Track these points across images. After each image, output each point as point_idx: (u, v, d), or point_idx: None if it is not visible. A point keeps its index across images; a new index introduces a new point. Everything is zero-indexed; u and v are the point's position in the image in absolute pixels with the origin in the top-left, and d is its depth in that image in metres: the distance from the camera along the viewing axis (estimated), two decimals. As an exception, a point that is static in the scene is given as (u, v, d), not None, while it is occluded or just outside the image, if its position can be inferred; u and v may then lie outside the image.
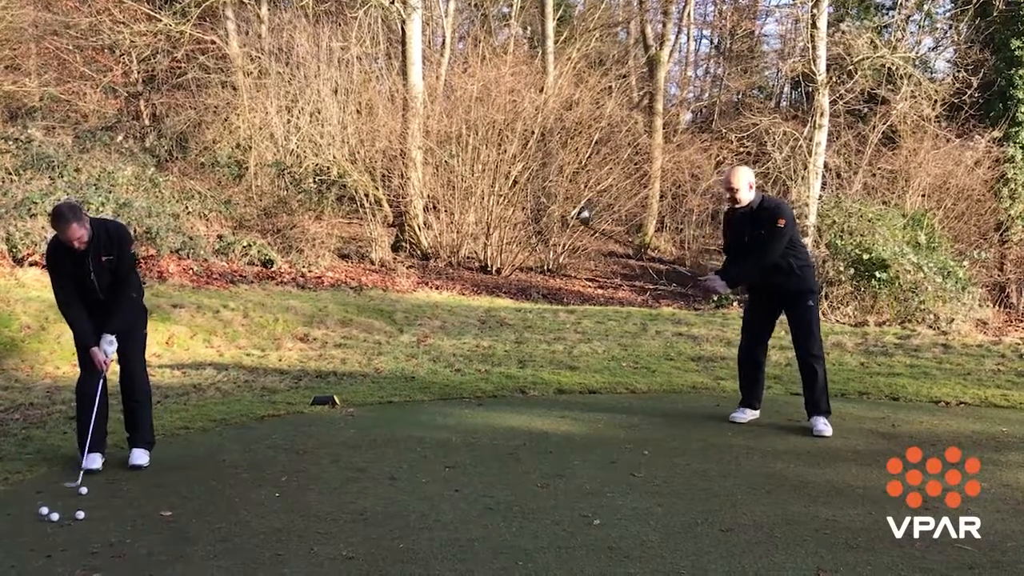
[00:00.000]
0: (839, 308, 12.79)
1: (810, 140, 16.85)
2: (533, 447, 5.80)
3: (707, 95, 32.05)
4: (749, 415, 6.50)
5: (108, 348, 5.25)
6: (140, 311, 5.55)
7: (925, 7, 20.69)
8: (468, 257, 17.29)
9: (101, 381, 5.27)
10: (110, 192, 12.77)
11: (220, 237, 13.87)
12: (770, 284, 6.21)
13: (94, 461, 5.22)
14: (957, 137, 18.08)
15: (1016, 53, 18.24)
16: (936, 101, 18.10)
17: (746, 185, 6.06)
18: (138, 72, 19.64)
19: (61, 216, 5.05)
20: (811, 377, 6.16)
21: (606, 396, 7.58)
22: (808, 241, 15.13)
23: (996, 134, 18.01)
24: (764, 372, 6.63)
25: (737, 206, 6.15)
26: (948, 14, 21.96)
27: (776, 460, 5.51)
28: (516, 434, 6.14)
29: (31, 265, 10.87)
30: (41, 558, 3.94)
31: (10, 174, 12.96)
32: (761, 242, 6.04)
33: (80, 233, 5.06)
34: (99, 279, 5.24)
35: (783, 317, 6.41)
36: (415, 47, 17.90)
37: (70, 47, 19.24)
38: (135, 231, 12.45)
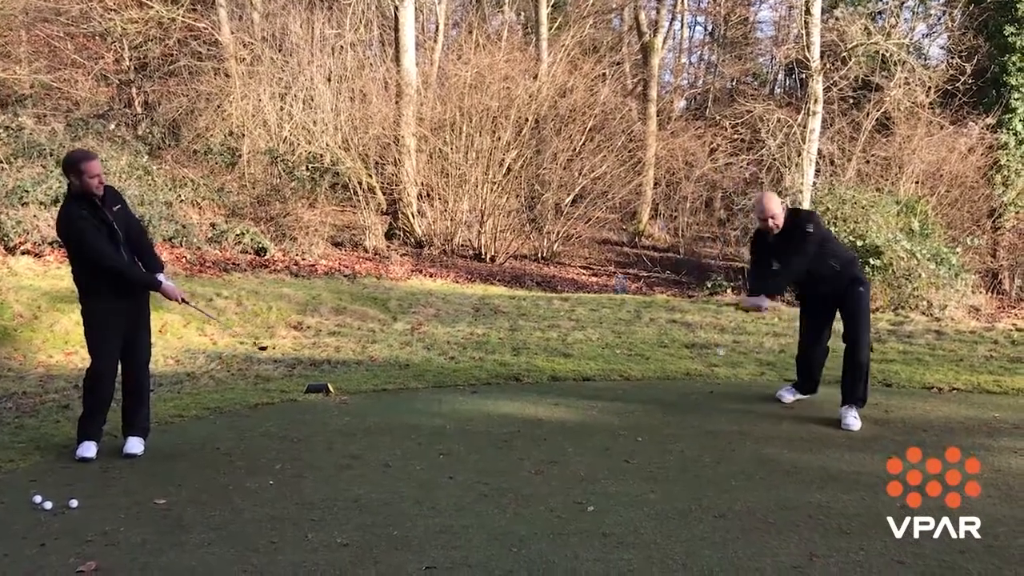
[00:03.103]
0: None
1: (804, 127, 16.84)
2: (527, 434, 5.81)
3: (701, 82, 31.99)
4: (793, 397, 6.68)
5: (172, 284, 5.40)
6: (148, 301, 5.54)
7: (919, -7, 20.70)
8: (462, 245, 17.27)
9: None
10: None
11: (213, 225, 13.82)
12: (822, 293, 6.30)
13: (89, 449, 5.22)
14: (951, 124, 18.06)
15: (1010, 39, 18.21)
16: (930, 88, 18.08)
17: (781, 209, 6.09)
18: (130, 59, 19.52)
19: (84, 153, 5.15)
20: (862, 365, 6.21)
21: (600, 383, 7.59)
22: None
23: (989, 121, 17.99)
24: (821, 367, 6.69)
25: (774, 230, 6.11)
26: (942, 0, 21.93)
27: (769, 446, 5.53)
28: (510, 421, 6.15)
29: (23, 254, 10.83)
30: (35, 546, 3.94)
31: (1, 162, 12.90)
32: (795, 255, 6.05)
33: (101, 169, 5.13)
34: (120, 228, 5.20)
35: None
36: (408, 33, 17.83)
37: (61, 34, 19.11)
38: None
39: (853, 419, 6.10)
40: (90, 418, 5.29)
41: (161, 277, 5.37)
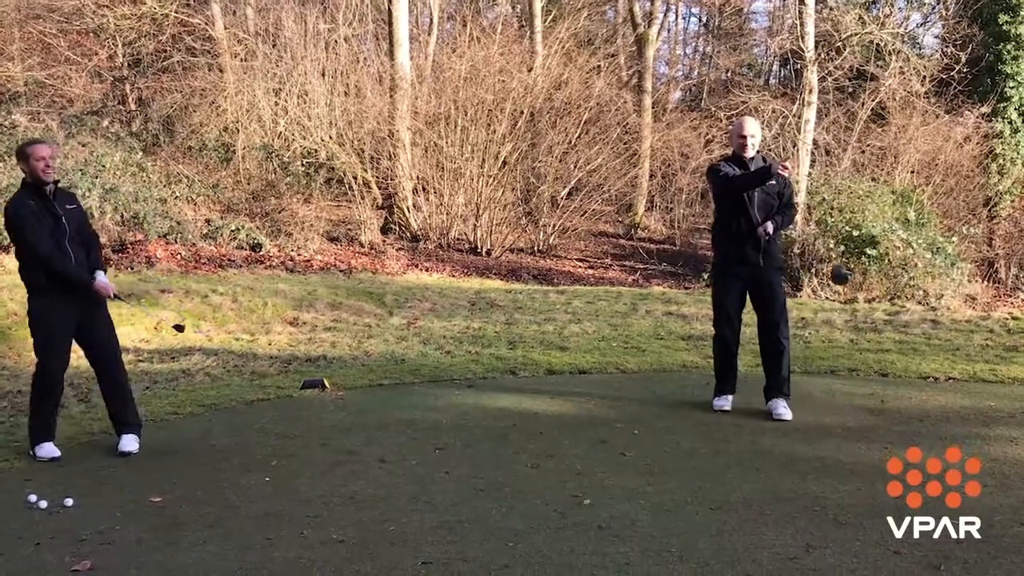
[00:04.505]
0: (829, 285, 12.81)
1: (799, 117, 16.83)
2: (523, 428, 5.80)
3: (696, 73, 31.97)
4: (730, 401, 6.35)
5: (106, 280, 5.35)
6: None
7: (913, -18, 20.67)
8: (458, 239, 17.25)
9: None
10: (96, 178, 12.68)
11: (208, 221, 13.80)
12: (751, 257, 5.93)
13: (53, 450, 5.22)
14: (946, 113, 18.07)
15: (1004, 27, 18.20)
16: (925, 77, 18.08)
17: (759, 133, 6.01)
18: (123, 56, 19.45)
19: (29, 141, 5.21)
20: (780, 357, 6.02)
21: (596, 376, 7.59)
22: (798, 218, 15.14)
23: (985, 109, 18.00)
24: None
25: (745, 155, 5.91)
26: (936, -11, 21.92)
27: (765, 437, 5.53)
28: (506, 415, 6.14)
29: (17, 252, 10.78)
30: (30, 546, 3.92)
31: (-6, 160, 12.85)
32: (773, 201, 5.93)
33: (49, 152, 5.13)
34: (70, 224, 5.21)
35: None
36: (402, 27, 17.78)
37: (54, 31, 19.03)
38: (122, 216, 12.39)
39: (785, 409, 5.98)
40: (44, 419, 5.26)
41: (99, 275, 5.32)
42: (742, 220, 5.92)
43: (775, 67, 31.41)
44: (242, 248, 13.50)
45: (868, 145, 18.16)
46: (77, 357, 7.63)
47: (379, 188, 17.81)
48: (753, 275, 6.00)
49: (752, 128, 5.97)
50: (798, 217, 14.97)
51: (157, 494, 4.56)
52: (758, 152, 6.04)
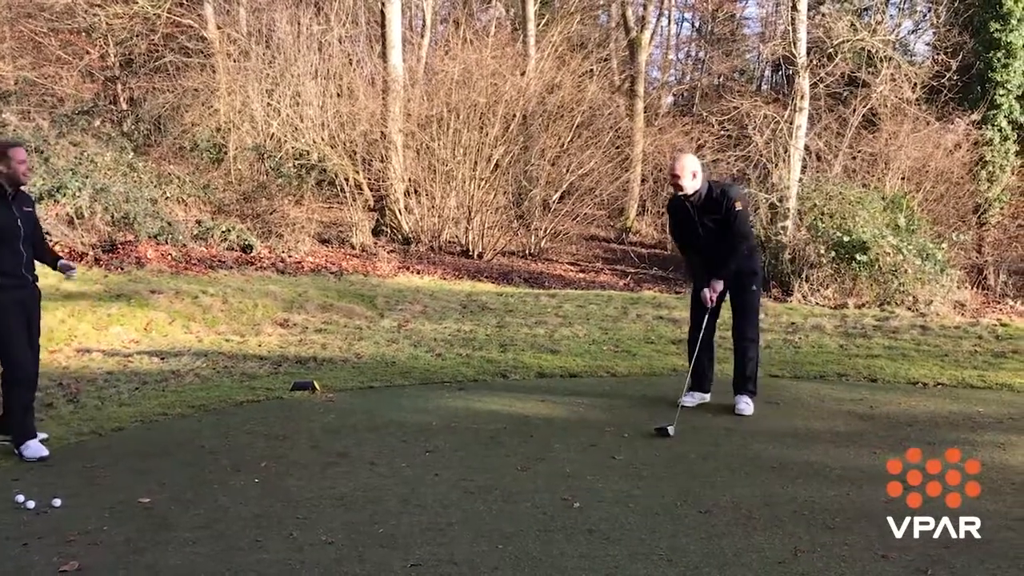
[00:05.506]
0: (819, 290, 12.86)
1: (791, 123, 16.86)
2: (514, 431, 5.80)
3: (688, 78, 32.03)
4: (699, 398, 6.54)
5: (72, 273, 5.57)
6: None
7: (905, -10, 20.75)
8: (449, 241, 17.24)
9: None
10: (87, 177, 12.64)
11: (199, 222, 13.76)
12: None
13: (40, 449, 5.21)
14: (936, 120, 18.13)
15: (995, 36, 18.30)
16: (916, 84, 18.15)
17: (689, 174, 5.98)
18: (115, 55, 19.41)
19: (10, 143, 5.28)
20: (742, 356, 6.27)
21: (587, 379, 7.60)
22: (789, 224, 15.19)
23: (975, 117, 18.10)
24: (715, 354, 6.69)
25: (681, 194, 6.06)
26: (927, -3, 22.02)
27: (755, 441, 5.55)
28: (497, 418, 6.14)
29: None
30: (17, 546, 3.91)
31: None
32: (723, 229, 6.03)
33: (26, 157, 5.19)
34: (25, 226, 5.25)
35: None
36: (395, 29, 17.78)
37: (45, 30, 18.97)
38: (113, 216, 12.35)
39: (745, 405, 6.21)
40: (23, 415, 5.25)
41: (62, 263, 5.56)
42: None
43: (767, 73, 31.51)
44: (233, 249, 13.46)
45: (859, 151, 18.22)
46: (66, 357, 7.64)
47: (371, 190, 17.79)
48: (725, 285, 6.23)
49: (679, 168, 6.00)
50: (789, 223, 15.04)
51: (146, 495, 4.55)
52: (699, 189, 6.04)
